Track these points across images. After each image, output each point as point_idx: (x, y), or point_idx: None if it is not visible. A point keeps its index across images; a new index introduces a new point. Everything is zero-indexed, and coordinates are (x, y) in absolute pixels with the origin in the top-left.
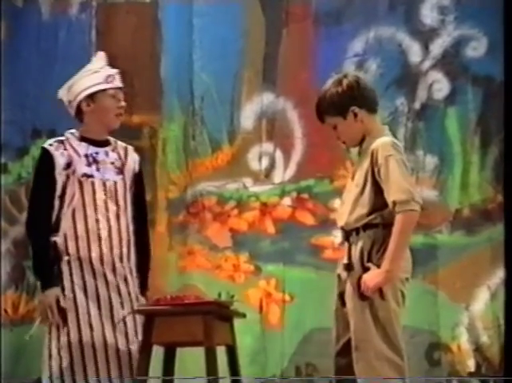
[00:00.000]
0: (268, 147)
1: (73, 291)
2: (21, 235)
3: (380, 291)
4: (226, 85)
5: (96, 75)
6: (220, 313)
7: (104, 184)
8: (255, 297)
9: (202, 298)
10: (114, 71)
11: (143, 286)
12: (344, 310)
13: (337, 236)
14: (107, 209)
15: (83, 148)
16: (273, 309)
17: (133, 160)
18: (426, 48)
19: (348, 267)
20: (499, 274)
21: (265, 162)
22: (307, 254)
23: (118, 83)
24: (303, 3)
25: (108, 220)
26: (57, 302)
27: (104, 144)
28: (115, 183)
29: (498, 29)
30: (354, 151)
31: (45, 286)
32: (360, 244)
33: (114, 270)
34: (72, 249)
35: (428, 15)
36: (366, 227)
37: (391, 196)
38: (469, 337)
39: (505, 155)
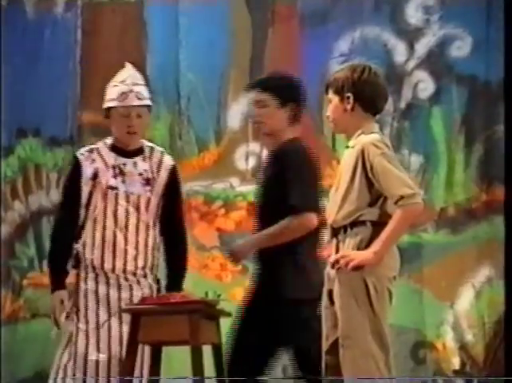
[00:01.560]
0: (255, 146)
1: (86, 296)
2: (7, 235)
3: (367, 289)
4: (212, 85)
5: (114, 89)
6: (206, 312)
7: (128, 197)
8: (242, 296)
9: (189, 297)
10: (129, 88)
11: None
12: (332, 309)
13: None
14: (127, 222)
15: (111, 158)
16: None
17: (166, 169)
18: (411, 47)
19: (335, 264)
20: (484, 273)
21: (251, 162)
22: None
23: (131, 101)
24: (289, 3)
25: (126, 233)
26: (62, 302)
27: (135, 153)
28: (139, 196)
29: (483, 29)
30: (340, 151)
31: (53, 289)
32: (347, 242)
33: (127, 279)
34: (88, 257)
35: (413, 15)
36: (354, 224)
37: (396, 191)
38: (454, 336)
39: (505, 152)
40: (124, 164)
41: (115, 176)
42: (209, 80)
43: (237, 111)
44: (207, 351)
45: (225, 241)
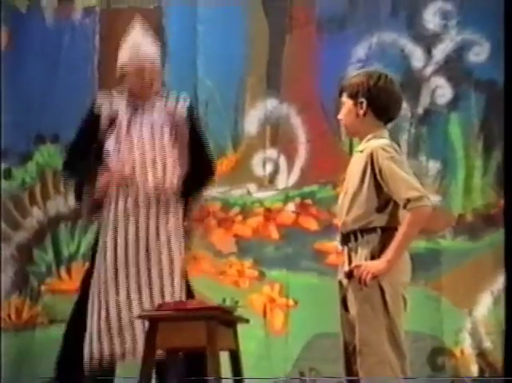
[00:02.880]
0: (272, 153)
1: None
2: (25, 240)
3: (383, 295)
4: (230, 91)
5: (124, 52)
6: (223, 319)
7: (152, 126)
8: (259, 302)
9: (206, 304)
10: (138, 49)
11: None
12: (348, 316)
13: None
14: (153, 146)
15: (131, 103)
16: (277, 314)
17: (182, 106)
18: (428, 53)
19: (349, 275)
20: (502, 280)
21: (269, 168)
22: (310, 259)
23: (143, 57)
24: (306, 8)
25: (154, 155)
26: None
27: (152, 99)
28: (162, 126)
29: (501, 34)
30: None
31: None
32: (359, 251)
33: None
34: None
35: (431, 20)
36: (364, 231)
37: (403, 194)
38: (472, 342)
39: (504, 160)
40: (143, 106)
41: (135, 110)
42: (226, 86)
43: (254, 117)
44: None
45: (242, 247)
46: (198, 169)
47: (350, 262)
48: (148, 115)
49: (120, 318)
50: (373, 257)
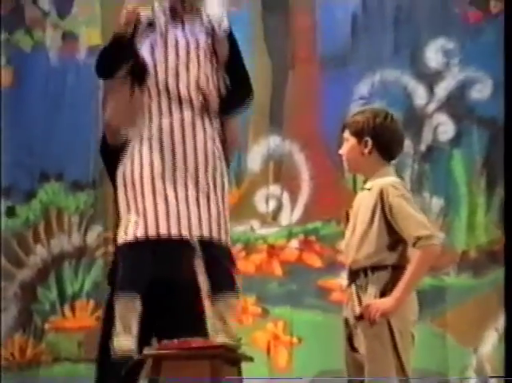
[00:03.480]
0: (275, 189)
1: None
2: (29, 279)
3: (392, 333)
4: None
5: None
6: (227, 357)
7: (188, 43)
8: (263, 339)
9: (210, 342)
10: None
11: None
12: (354, 355)
13: (344, 278)
14: (188, 56)
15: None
16: (281, 351)
17: (223, 27)
18: (431, 90)
19: (360, 317)
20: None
21: (272, 204)
22: (314, 296)
23: None
24: (309, 46)
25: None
26: None
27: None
28: (198, 42)
29: (503, 72)
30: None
31: None
32: (369, 289)
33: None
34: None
35: (433, 58)
36: (374, 269)
37: (413, 232)
38: (478, 381)
39: (506, 199)
40: (182, 18)
41: (173, 17)
42: None
43: (257, 153)
44: None
45: (245, 284)
46: (237, 89)
47: (359, 299)
48: (187, 26)
49: None
50: (383, 294)
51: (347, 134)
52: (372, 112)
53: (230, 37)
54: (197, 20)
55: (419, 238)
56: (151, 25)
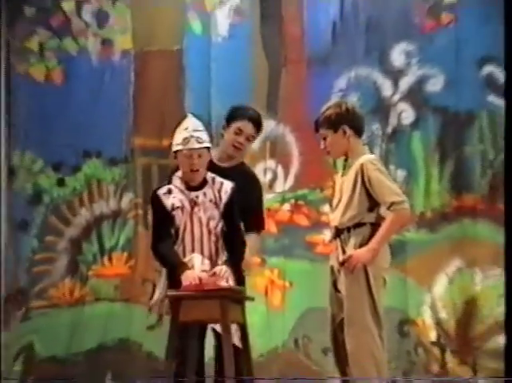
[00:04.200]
0: (271, 163)
1: None
2: (76, 235)
3: (367, 278)
4: None
5: (179, 135)
6: (234, 297)
7: (201, 220)
8: (261, 284)
9: (220, 285)
10: (191, 133)
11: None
12: (337, 295)
13: (327, 234)
14: (202, 237)
15: (187, 193)
16: (276, 293)
17: (225, 192)
18: (395, 84)
19: (343, 263)
20: (455, 264)
21: (269, 175)
22: (303, 249)
23: (192, 145)
24: (298, 49)
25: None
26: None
27: (202, 185)
28: (209, 218)
29: (453, 69)
30: (339, 166)
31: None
32: (352, 241)
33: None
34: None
35: (397, 58)
36: (356, 225)
37: (388, 198)
38: (431, 314)
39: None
40: (197, 197)
41: (192, 207)
42: None
43: None
44: None
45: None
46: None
47: (343, 250)
48: (200, 209)
49: None
50: (361, 246)
51: (323, 131)
52: (335, 105)
53: (231, 196)
54: (206, 192)
55: (392, 203)
56: (178, 207)
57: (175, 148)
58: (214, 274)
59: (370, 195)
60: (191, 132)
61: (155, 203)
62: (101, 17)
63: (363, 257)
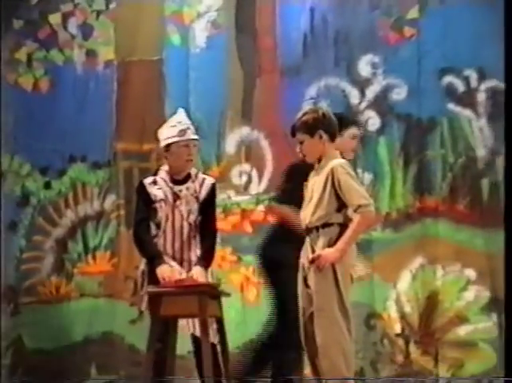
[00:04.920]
0: (246, 167)
1: None
2: (61, 235)
3: (335, 275)
4: (214, 121)
5: (172, 129)
6: (211, 293)
7: (183, 213)
8: (237, 280)
9: (198, 282)
10: (187, 125)
11: (206, 265)
12: (307, 290)
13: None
14: (182, 230)
15: (171, 186)
16: (251, 289)
17: (206, 189)
18: (362, 93)
19: (312, 261)
20: (418, 261)
21: (244, 178)
22: None
23: (189, 135)
24: (271, 59)
25: (181, 240)
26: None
27: (186, 179)
28: (189, 211)
29: (415, 79)
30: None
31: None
32: (321, 240)
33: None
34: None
35: (364, 69)
36: (324, 225)
37: (355, 201)
38: (396, 308)
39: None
40: (180, 190)
41: (174, 200)
42: (212, 118)
43: (232, 140)
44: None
45: (224, 239)
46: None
47: (312, 249)
48: (181, 202)
49: None
50: (330, 245)
51: (300, 135)
52: (312, 111)
53: (211, 192)
54: (190, 186)
55: (359, 206)
56: (162, 199)
57: (169, 141)
58: (192, 276)
59: (339, 196)
60: (186, 124)
61: (140, 190)
62: (86, 30)
63: (331, 256)
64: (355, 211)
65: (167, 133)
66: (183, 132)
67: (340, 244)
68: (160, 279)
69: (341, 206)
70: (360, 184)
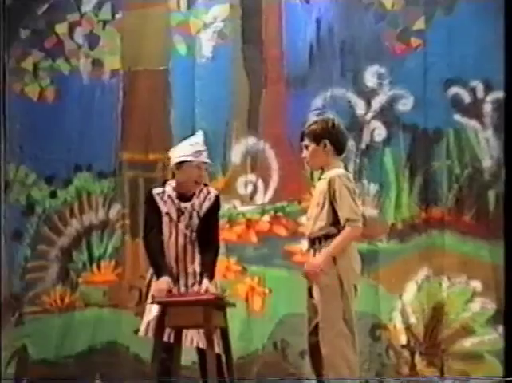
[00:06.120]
0: (252, 177)
1: None
2: (66, 244)
3: (341, 285)
4: (220, 131)
5: (188, 147)
6: (216, 304)
7: (186, 229)
8: (243, 290)
9: (203, 293)
10: (203, 148)
11: (210, 277)
12: (311, 301)
13: (304, 244)
14: (185, 247)
15: (177, 202)
16: (257, 299)
17: (209, 201)
18: (368, 104)
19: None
20: (423, 272)
21: (249, 188)
22: (281, 258)
23: (203, 158)
24: (277, 70)
25: (185, 256)
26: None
27: (192, 196)
28: (192, 229)
29: (422, 90)
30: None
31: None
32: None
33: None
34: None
35: (370, 79)
36: (326, 237)
37: (345, 214)
38: (401, 319)
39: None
40: (185, 207)
41: (179, 216)
42: (217, 128)
43: (238, 150)
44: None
45: (229, 248)
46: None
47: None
48: (185, 218)
49: None
50: None
51: (306, 141)
52: (323, 120)
53: (214, 203)
54: (195, 201)
55: (348, 220)
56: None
57: (183, 159)
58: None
59: (336, 208)
60: (203, 147)
61: (150, 199)
62: (92, 40)
63: (314, 263)
64: (343, 224)
65: (182, 151)
66: (198, 153)
67: (324, 252)
68: (153, 292)
69: (339, 218)
70: (356, 199)
